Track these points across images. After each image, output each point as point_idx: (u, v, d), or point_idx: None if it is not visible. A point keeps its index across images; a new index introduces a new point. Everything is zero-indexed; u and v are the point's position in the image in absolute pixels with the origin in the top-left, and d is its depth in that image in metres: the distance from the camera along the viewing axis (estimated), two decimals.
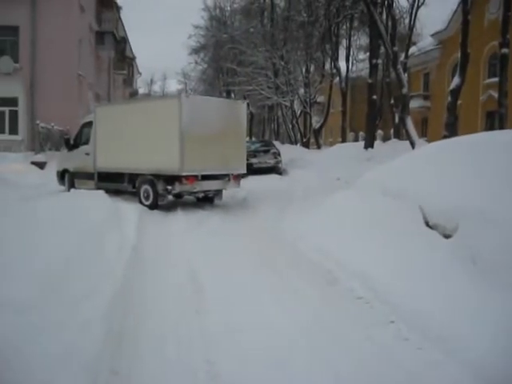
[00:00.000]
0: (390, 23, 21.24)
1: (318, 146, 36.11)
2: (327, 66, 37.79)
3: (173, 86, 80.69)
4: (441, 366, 4.20)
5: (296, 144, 37.46)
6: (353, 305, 5.71)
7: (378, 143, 23.15)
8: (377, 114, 23.20)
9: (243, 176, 14.55)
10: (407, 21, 32.34)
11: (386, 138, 33.62)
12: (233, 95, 45.39)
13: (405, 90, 16.59)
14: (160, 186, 12.88)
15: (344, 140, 37.43)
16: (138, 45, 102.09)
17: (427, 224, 6.82)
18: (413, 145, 15.48)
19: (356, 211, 8.27)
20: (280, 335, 4.83)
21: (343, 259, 7.06)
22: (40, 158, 22.69)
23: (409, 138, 15.87)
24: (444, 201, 6.73)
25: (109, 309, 5.07)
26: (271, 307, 5.60)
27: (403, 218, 7.07)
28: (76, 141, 16.14)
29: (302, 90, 36.47)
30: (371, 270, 6.33)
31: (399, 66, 16.72)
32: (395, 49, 16.91)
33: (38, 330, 4.15)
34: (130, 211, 11.41)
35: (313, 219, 9.57)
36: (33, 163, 21.89)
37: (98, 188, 14.22)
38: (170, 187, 12.77)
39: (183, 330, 4.99)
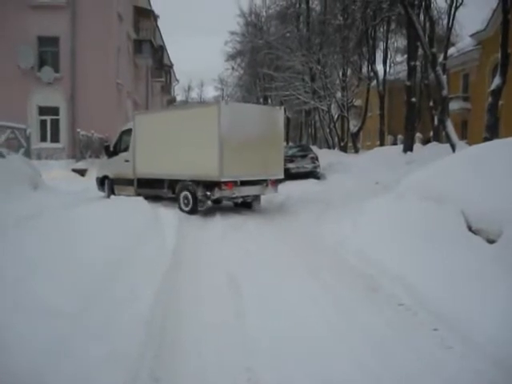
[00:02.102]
0: (427, 24, 20.93)
1: (356, 150, 35.81)
2: (364, 69, 37.49)
3: (210, 92, 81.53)
4: (485, 375, 4.09)
5: (334, 148, 37.19)
6: (395, 312, 5.60)
7: (417, 146, 22.80)
8: (415, 116, 22.82)
9: (281, 181, 14.53)
10: (445, 22, 31.90)
11: (425, 141, 33.11)
12: (270, 101, 45.43)
13: (444, 92, 16.30)
14: (199, 192, 12.97)
15: (382, 143, 37.03)
16: (176, 52, 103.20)
17: (470, 229, 6.68)
18: (453, 148, 15.16)
19: (397, 216, 8.15)
20: (321, 344, 4.77)
21: (385, 265, 6.96)
22: (81, 165, 23.15)
23: (449, 140, 15.56)
24: (487, 205, 6.58)
25: (150, 313, 5.12)
26: (312, 314, 5.53)
27: (445, 222, 6.93)
28: (115, 148, 16.36)
29: (339, 94, 36.21)
30: (413, 275, 6.23)
31: (438, 68, 16.43)
32: (433, 50, 16.64)
33: (81, 333, 4.21)
34: (169, 216, 11.54)
35: (353, 224, 9.45)
36: (74, 170, 22.32)
37: (138, 194, 14.41)
38: (209, 193, 12.86)
39: (223, 339, 4.99)
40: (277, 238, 9.96)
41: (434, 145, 23.55)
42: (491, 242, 6.14)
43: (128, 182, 15.38)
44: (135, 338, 4.46)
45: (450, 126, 15.82)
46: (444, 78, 16.69)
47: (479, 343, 4.52)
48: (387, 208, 8.73)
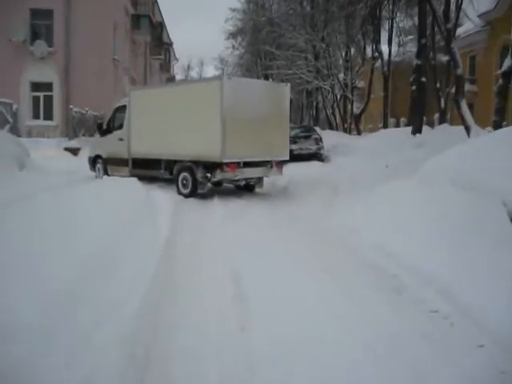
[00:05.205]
0: None
1: (359, 132, 34.97)
2: (368, 49, 36.42)
3: (210, 72, 79.97)
4: None
5: (337, 130, 36.30)
6: (429, 321, 4.68)
7: (425, 129, 21.82)
8: (425, 97, 21.87)
9: (284, 163, 13.67)
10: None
11: (429, 124, 32.17)
12: (271, 80, 44.30)
13: (459, 71, 15.28)
14: (199, 174, 12.22)
15: (386, 126, 36.05)
16: (175, 30, 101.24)
17: None
18: (468, 130, 14.20)
19: (419, 204, 7.22)
20: (343, 364, 3.87)
21: (409, 261, 6.06)
22: (73, 143, 22.22)
23: (463, 122, 14.58)
24: None
25: (133, 328, 4.23)
26: (330, 325, 4.61)
27: (481, 213, 5.99)
28: (109, 126, 15.52)
29: (341, 75, 35.29)
30: (447, 276, 5.34)
31: (454, 45, 15.40)
32: (449, 26, 15.61)
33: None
34: (164, 201, 10.66)
35: (365, 212, 8.55)
36: (66, 149, 21.40)
37: (133, 175, 13.57)
38: (209, 174, 12.10)
39: (225, 347, 4.11)
40: (283, 229, 8.97)
41: (444, 127, 22.53)
42: None
43: (122, 162, 14.58)
44: (113, 362, 3.56)
45: (464, 107, 14.85)
46: (458, 56, 15.63)
47: None
48: (409, 194, 7.77)
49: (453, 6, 25.71)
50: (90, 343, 3.81)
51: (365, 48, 36.21)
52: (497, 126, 15.05)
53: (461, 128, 15.93)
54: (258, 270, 6.13)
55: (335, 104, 38.18)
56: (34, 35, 26.75)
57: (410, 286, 5.53)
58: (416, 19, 32.21)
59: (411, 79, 22.36)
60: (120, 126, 14.87)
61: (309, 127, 26.39)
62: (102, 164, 15.57)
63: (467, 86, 36.07)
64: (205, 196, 12.56)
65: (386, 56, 34.86)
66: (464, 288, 4.98)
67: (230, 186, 14.06)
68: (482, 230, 5.70)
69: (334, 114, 38.59)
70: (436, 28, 25.92)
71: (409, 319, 4.74)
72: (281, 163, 13.13)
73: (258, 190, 13.80)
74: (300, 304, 5.05)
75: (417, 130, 20.79)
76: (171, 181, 13.13)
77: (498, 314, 4.42)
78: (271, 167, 12.74)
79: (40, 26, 26.99)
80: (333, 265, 6.53)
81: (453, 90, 25.42)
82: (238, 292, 5.36)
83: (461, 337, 4.34)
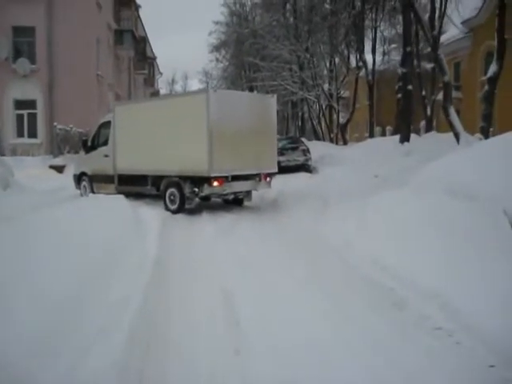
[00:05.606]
0: (428, 7, 19.80)
1: (345, 142, 34.81)
2: (352, 59, 36.48)
3: (194, 85, 79.50)
4: None
5: (323, 140, 36.18)
6: (433, 339, 4.47)
7: (413, 137, 21.70)
8: (412, 105, 21.75)
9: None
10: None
11: (415, 132, 32.14)
12: (256, 92, 44.18)
13: (447, 78, 15.19)
14: (187, 189, 11.98)
15: (372, 135, 35.96)
16: (158, 44, 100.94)
17: None
18: (457, 137, 14.07)
19: (414, 214, 6.99)
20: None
21: (407, 275, 5.82)
22: (58, 161, 21.92)
23: (453, 129, 14.46)
24: None
25: (124, 355, 3.95)
26: (327, 342, 4.39)
27: (481, 222, 5.79)
28: (94, 142, 15.19)
29: (326, 85, 35.26)
30: (446, 289, 5.12)
31: (440, 52, 15.33)
32: (435, 33, 15.55)
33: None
34: (151, 218, 10.37)
35: (358, 224, 8.33)
36: (51, 167, 21.07)
37: (119, 192, 13.28)
38: (197, 189, 11.83)
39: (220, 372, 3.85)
40: (275, 245, 8.68)
41: (431, 134, 22.44)
42: None
43: (108, 179, 14.27)
44: None
45: (453, 114, 14.75)
46: (445, 63, 15.57)
47: None
48: (402, 205, 7.56)
49: (437, 14, 25.81)
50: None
51: (349, 57, 36.29)
52: (484, 131, 15.01)
53: (449, 135, 15.84)
54: (251, 291, 5.88)
55: (321, 114, 38.06)
56: (17, 53, 26.47)
57: (411, 302, 5.29)
58: (399, 28, 32.39)
59: (396, 87, 22.32)
60: (105, 142, 14.57)
61: (296, 138, 26.23)
62: (88, 181, 15.23)
63: (453, 93, 36.29)
64: (193, 211, 12.30)
65: (370, 65, 34.88)
66: (468, 302, 4.75)
67: (219, 200, 13.79)
68: (483, 239, 5.49)
69: (319, 124, 38.48)
70: (420, 35, 26.00)
71: (414, 339, 4.52)
72: (269, 176, 12.90)
73: (246, 203, 13.53)
74: (297, 325, 4.81)
75: (405, 139, 20.66)
76: (158, 197, 12.84)
77: (507, 332, 4.20)
78: (260, 180, 12.49)
79: (22, 43, 26.72)
80: (328, 281, 6.31)
81: (438, 97, 25.50)
82: (231, 319, 5.09)
83: (468, 356, 4.12)
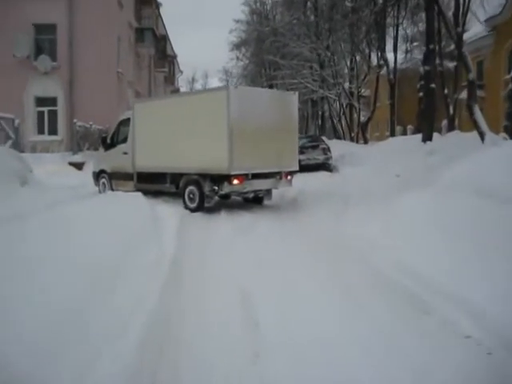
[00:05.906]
0: (452, 3, 19.45)
1: (365, 141, 34.52)
2: (373, 57, 36.10)
3: (214, 83, 79.51)
4: None
5: (344, 139, 35.89)
6: (461, 348, 4.21)
7: (436, 136, 21.29)
8: (435, 103, 21.38)
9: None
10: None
11: (437, 131, 31.71)
12: (275, 90, 44.02)
13: (471, 76, 14.91)
14: (207, 187, 11.83)
15: (393, 134, 35.58)
16: (179, 43, 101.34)
17: None
18: (482, 137, 13.75)
19: (443, 217, 6.73)
20: None
21: (435, 280, 5.59)
22: (78, 158, 21.91)
23: (477, 128, 14.15)
24: None
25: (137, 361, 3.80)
26: (352, 352, 4.18)
27: None
28: (113, 139, 15.12)
29: (347, 83, 34.99)
30: (475, 295, 4.88)
31: (464, 49, 15.02)
32: (459, 30, 15.23)
33: None
34: (169, 215, 10.25)
35: (382, 225, 8.08)
36: (70, 164, 21.07)
37: (138, 189, 13.20)
38: (217, 187, 11.69)
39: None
40: (295, 243, 8.48)
41: (455, 134, 21.96)
42: None
43: (127, 177, 14.19)
44: None
45: (478, 113, 14.44)
46: (469, 60, 15.25)
47: None
48: (430, 206, 7.29)
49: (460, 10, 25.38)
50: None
51: (370, 56, 35.91)
52: (508, 130, 14.66)
53: (472, 134, 15.52)
54: (270, 291, 5.69)
55: (341, 113, 37.77)
56: (38, 50, 26.61)
57: (439, 308, 5.03)
58: (421, 25, 31.97)
59: (418, 86, 21.93)
60: (124, 140, 14.50)
61: (316, 137, 25.96)
62: (107, 179, 15.18)
63: (476, 92, 35.78)
64: (211, 210, 12.14)
65: (391, 63, 34.50)
66: (495, 309, 4.53)
67: (238, 198, 13.64)
68: None
69: (340, 122, 38.20)
70: (442, 33, 25.57)
71: (441, 347, 4.24)
72: (290, 174, 12.72)
73: (266, 202, 13.36)
74: (318, 328, 4.62)
75: (427, 138, 20.26)
76: (176, 195, 12.74)
77: None
78: (280, 178, 12.34)
79: (43, 40, 26.87)
80: (351, 282, 6.08)
81: (461, 96, 25.08)
82: (249, 320, 4.91)
83: (502, 368, 3.88)
